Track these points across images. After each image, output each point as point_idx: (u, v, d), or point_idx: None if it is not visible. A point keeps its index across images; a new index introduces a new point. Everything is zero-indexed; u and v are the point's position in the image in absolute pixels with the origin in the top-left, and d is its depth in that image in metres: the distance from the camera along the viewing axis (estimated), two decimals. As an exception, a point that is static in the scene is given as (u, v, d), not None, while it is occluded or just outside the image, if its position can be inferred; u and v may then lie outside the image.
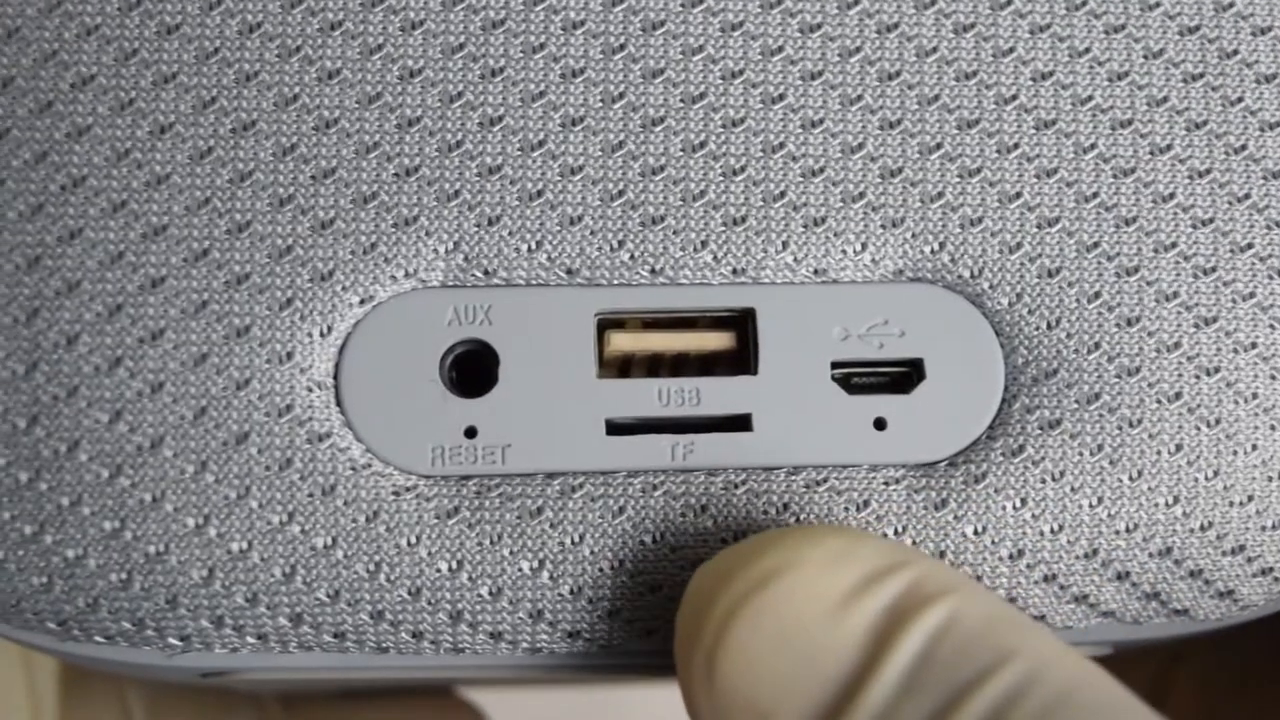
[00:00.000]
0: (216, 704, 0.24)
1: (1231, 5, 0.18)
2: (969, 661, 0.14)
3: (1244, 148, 0.18)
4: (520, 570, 0.17)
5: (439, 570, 0.17)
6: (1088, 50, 0.18)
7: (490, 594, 0.17)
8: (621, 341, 0.17)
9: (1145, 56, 0.18)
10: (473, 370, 0.17)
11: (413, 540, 0.17)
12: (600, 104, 0.17)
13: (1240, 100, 0.18)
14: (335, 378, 0.17)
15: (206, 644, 0.17)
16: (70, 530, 0.16)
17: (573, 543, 0.17)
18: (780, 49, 0.18)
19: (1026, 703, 0.13)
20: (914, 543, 0.17)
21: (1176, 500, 0.17)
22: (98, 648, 0.17)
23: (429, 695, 0.25)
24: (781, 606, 0.14)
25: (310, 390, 0.17)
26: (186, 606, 0.17)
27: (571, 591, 0.17)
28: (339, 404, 0.17)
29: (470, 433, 0.17)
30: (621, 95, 0.17)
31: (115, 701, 0.23)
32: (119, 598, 0.16)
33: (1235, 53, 0.18)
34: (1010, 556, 0.17)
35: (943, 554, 0.17)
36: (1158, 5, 0.18)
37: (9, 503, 0.16)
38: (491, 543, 0.17)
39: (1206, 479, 0.17)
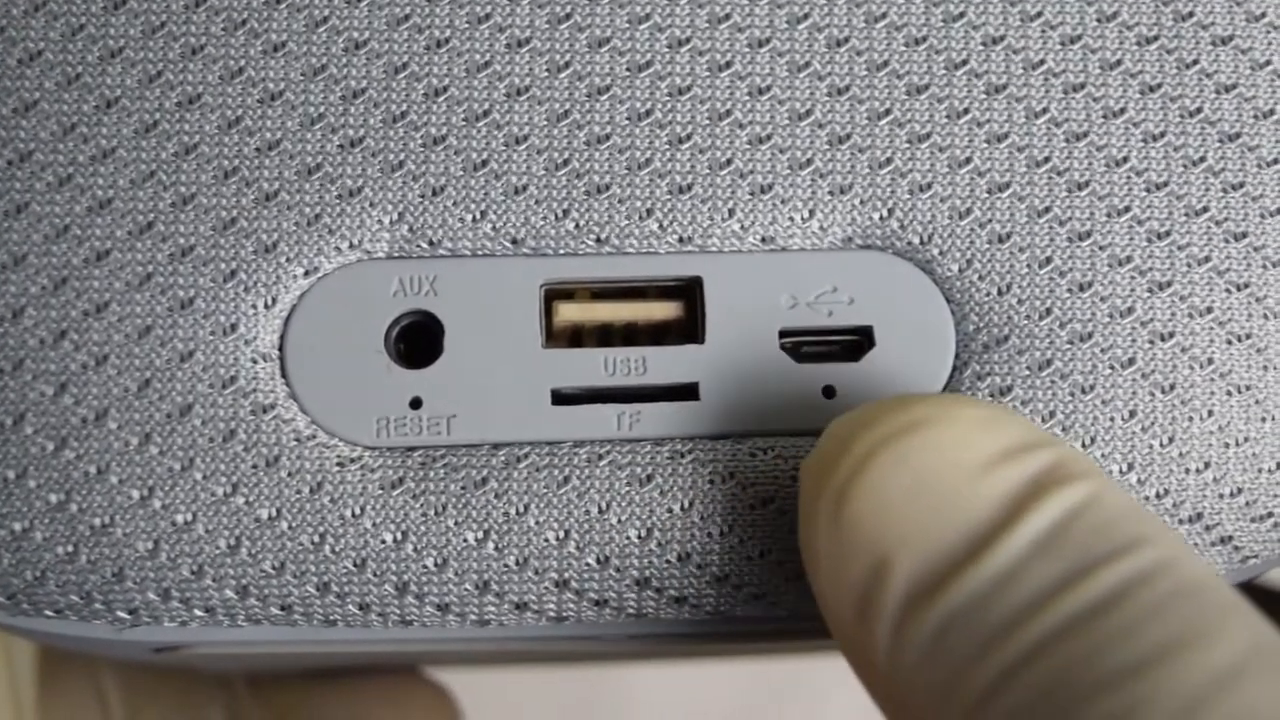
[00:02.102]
0: (187, 687, 0.24)
1: None
2: (1104, 540, 0.14)
3: (1199, 111, 0.18)
4: (465, 541, 0.17)
5: (384, 541, 0.17)
6: (1040, 14, 0.18)
7: (436, 565, 0.17)
8: (569, 312, 0.17)
9: (1099, 20, 0.18)
10: (419, 341, 0.17)
11: (357, 511, 0.17)
12: (545, 73, 0.17)
13: (1196, 63, 0.18)
14: (280, 349, 0.17)
15: (155, 617, 0.17)
16: (16, 503, 0.16)
17: (517, 513, 0.17)
18: (727, 16, 0.18)
19: (1156, 584, 0.13)
20: (863, 511, 0.17)
21: (1131, 467, 0.17)
22: (48, 622, 0.17)
23: (396, 675, 0.25)
24: (925, 455, 0.14)
25: (255, 362, 0.17)
26: (133, 579, 0.17)
27: (517, 562, 0.17)
28: (284, 375, 0.17)
29: (415, 404, 0.17)
30: (567, 64, 0.17)
31: (91, 685, 0.23)
32: (66, 570, 0.17)
33: (1191, 15, 0.18)
34: None
35: (892, 522, 0.17)
36: None
37: None
38: (436, 514, 0.17)
39: (1161, 445, 0.17)
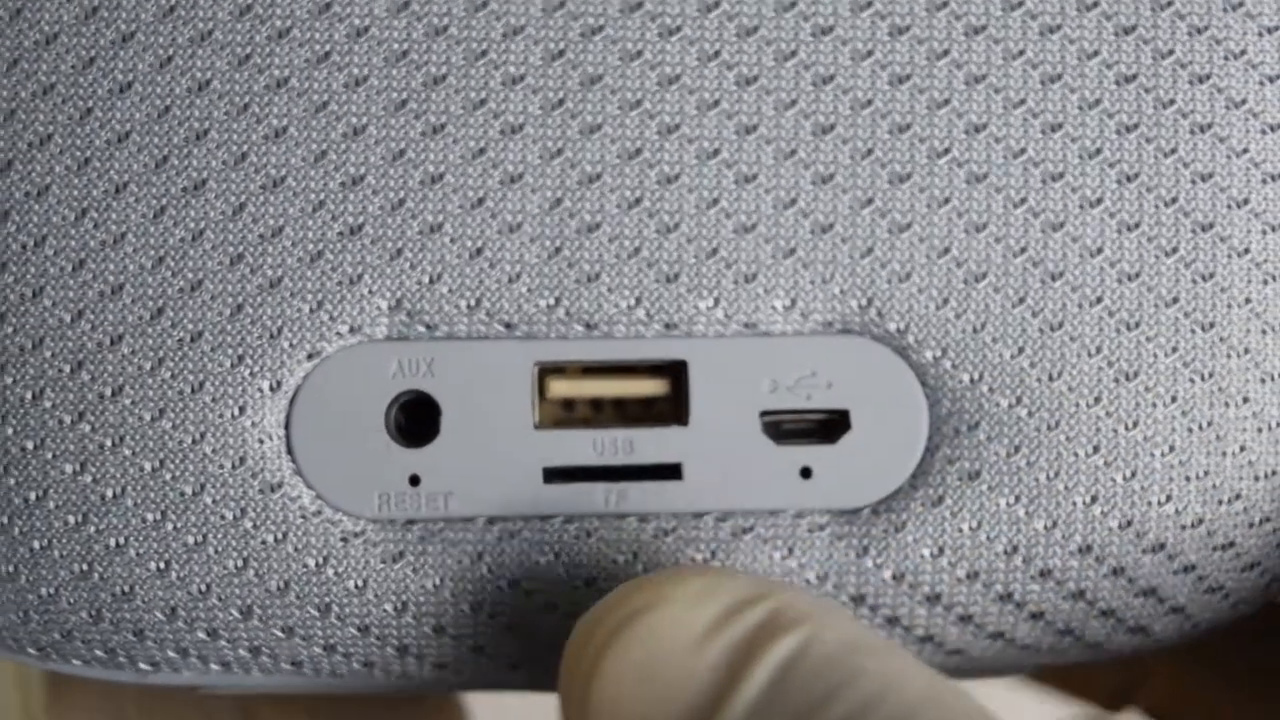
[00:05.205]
0: (204, 696, 0.25)
1: (1171, 53, 0.18)
2: (822, 681, 0.14)
3: (1175, 200, 0.18)
4: (462, 611, 0.18)
5: (385, 610, 0.18)
6: (1023, 101, 0.18)
7: (434, 631, 0.18)
8: (560, 388, 0.18)
9: (1080, 107, 0.18)
10: (420, 417, 0.18)
11: (360, 584, 0.18)
12: (539, 160, 0.18)
13: (1174, 151, 0.18)
14: (286, 429, 0.18)
15: (175, 669, 0.18)
16: (42, 571, 0.18)
17: (509, 585, 0.18)
18: (716, 103, 0.18)
19: (875, 713, 0.14)
20: (835, 587, 0.18)
21: (1089, 548, 0.18)
22: (75, 668, 0.18)
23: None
24: (646, 641, 0.15)
25: (262, 442, 0.18)
26: (153, 639, 0.18)
27: (509, 628, 0.18)
28: (290, 453, 0.18)
29: (414, 480, 0.18)
30: (560, 151, 0.18)
31: (107, 694, 0.24)
32: (90, 631, 0.18)
33: (1172, 102, 0.18)
34: (928, 600, 0.18)
35: (863, 598, 0.18)
36: (1095, 55, 0.18)
37: None
38: (435, 586, 0.18)
39: (1120, 527, 0.18)
